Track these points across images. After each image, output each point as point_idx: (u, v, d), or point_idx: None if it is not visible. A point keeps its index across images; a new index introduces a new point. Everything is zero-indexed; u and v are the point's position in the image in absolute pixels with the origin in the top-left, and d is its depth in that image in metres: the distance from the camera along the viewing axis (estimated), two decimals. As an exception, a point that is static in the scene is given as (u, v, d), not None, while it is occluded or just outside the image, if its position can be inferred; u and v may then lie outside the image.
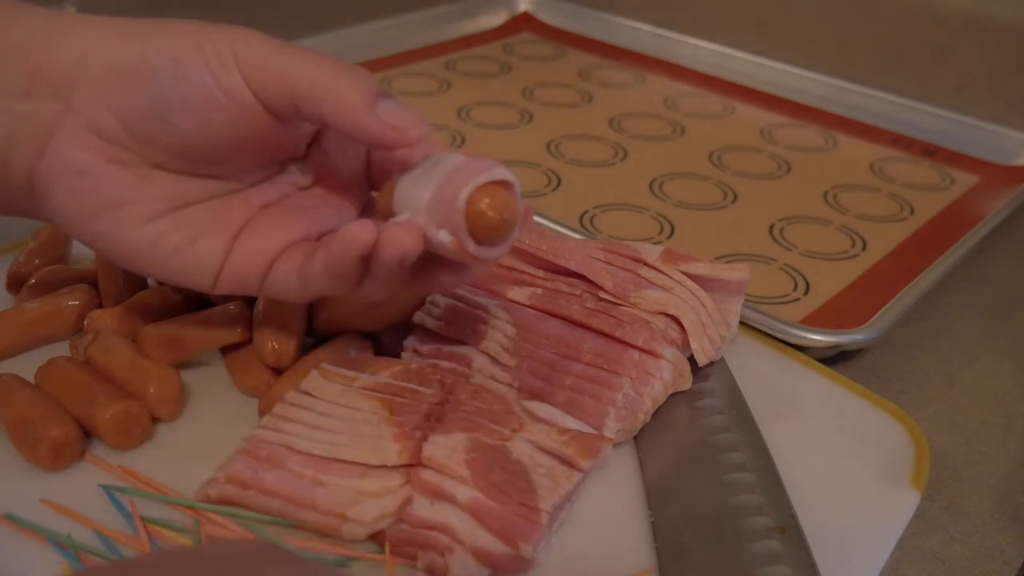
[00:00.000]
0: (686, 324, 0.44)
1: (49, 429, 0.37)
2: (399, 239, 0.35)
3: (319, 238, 0.39)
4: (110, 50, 0.35)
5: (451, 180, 0.35)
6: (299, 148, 0.40)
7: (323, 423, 0.38)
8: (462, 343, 0.43)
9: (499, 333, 0.44)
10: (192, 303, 0.46)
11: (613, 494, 0.39)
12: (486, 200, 0.35)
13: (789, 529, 0.36)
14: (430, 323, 0.44)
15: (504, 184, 0.36)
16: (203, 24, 0.37)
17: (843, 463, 0.41)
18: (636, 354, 0.42)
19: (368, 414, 0.38)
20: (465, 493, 0.34)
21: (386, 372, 0.40)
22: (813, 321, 0.52)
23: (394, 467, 0.36)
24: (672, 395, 0.43)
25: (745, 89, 0.86)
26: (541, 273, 0.47)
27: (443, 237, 0.35)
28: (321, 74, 0.35)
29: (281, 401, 0.39)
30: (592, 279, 0.45)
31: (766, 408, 0.43)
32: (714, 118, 0.81)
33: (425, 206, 0.35)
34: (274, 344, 0.42)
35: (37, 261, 0.48)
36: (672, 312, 0.44)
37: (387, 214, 0.38)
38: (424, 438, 0.37)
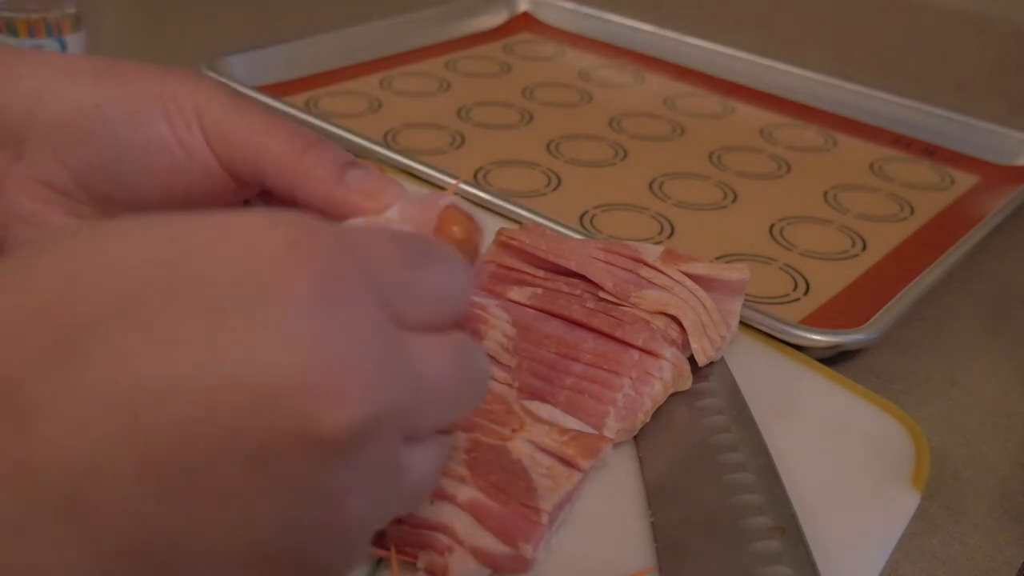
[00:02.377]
0: (686, 324, 0.44)
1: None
2: None
3: None
4: (63, 97, 0.33)
5: (417, 204, 0.34)
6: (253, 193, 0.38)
7: (323, 423, 0.38)
8: (462, 343, 0.43)
9: (499, 333, 0.44)
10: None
11: (613, 494, 0.39)
12: (454, 224, 0.33)
13: (789, 529, 0.36)
14: (430, 323, 0.44)
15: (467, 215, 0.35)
16: (162, 72, 0.34)
17: (843, 463, 0.41)
18: (636, 354, 0.42)
19: (368, 414, 0.38)
20: (465, 493, 0.35)
21: (386, 372, 0.40)
22: (813, 321, 0.52)
23: (394, 467, 0.36)
24: (672, 395, 0.43)
25: (745, 89, 0.86)
26: (541, 273, 0.47)
27: None
28: (287, 148, 0.33)
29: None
30: (592, 279, 0.45)
31: (766, 408, 0.43)
32: (714, 118, 0.81)
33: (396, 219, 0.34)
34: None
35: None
36: (672, 312, 0.44)
37: None
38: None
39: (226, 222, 0.21)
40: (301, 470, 0.20)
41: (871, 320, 0.50)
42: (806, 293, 0.55)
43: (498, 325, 0.44)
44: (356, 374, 0.21)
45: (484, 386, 0.27)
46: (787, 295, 0.55)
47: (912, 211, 0.66)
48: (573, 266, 0.46)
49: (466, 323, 0.44)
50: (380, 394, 0.21)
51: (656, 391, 0.42)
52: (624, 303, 0.45)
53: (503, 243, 0.48)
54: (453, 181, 0.58)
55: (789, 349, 0.48)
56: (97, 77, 0.34)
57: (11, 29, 0.66)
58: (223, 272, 0.20)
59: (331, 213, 0.34)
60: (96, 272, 0.20)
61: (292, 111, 0.71)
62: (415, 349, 0.24)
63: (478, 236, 0.34)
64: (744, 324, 0.49)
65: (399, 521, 0.35)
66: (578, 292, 0.45)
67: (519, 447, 0.37)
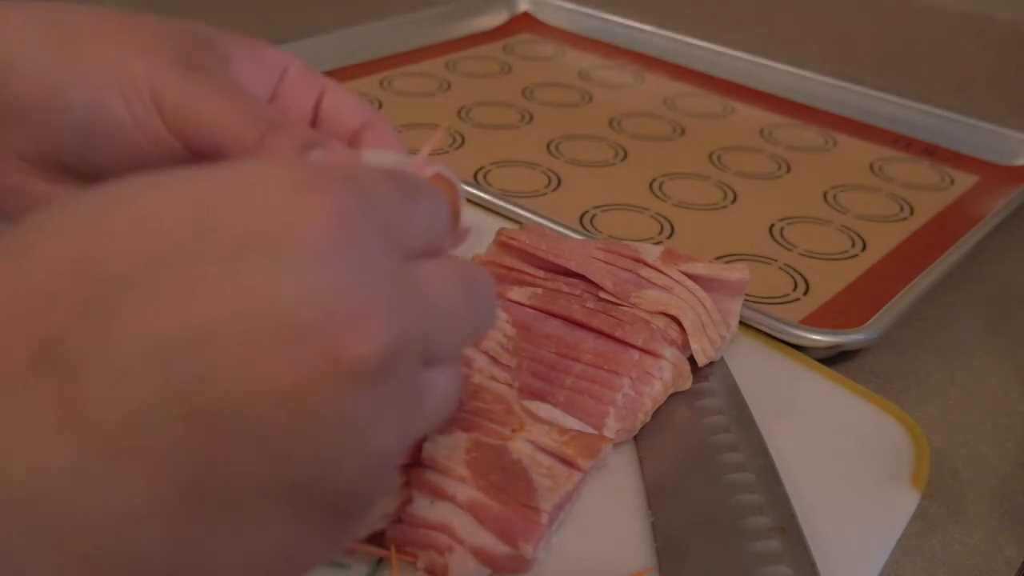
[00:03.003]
0: (686, 324, 0.44)
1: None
2: None
3: None
4: (27, 77, 0.34)
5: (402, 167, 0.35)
6: None
7: (323, 423, 0.38)
8: (462, 343, 0.43)
9: (499, 333, 0.44)
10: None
11: (613, 494, 0.39)
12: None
13: (789, 529, 0.36)
14: (430, 323, 0.44)
15: (450, 181, 0.37)
16: (119, 43, 0.35)
17: (843, 463, 0.41)
18: (636, 354, 0.42)
19: (368, 414, 0.38)
20: (465, 493, 0.35)
21: (386, 372, 0.40)
22: (813, 321, 0.52)
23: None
24: (672, 395, 0.43)
25: (745, 89, 0.86)
26: (541, 273, 0.47)
27: None
28: (246, 133, 0.34)
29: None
30: (592, 279, 0.45)
31: (766, 408, 0.43)
32: (714, 118, 0.81)
33: None
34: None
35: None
36: (672, 312, 0.44)
37: None
38: (424, 438, 0.37)
39: (239, 172, 0.23)
40: (333, 402, 0.21)
41: (871, 320, 0.50)
42: (806, 293, 0.55)
43: (498, 325, 0.44)
44: (375, 303, 0.22)
45: (493, 306, 0.28)
46: (787, 295, 0.55)
47: (912, 211, 0.66)
48: (573, 266, 0.46)
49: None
50: (400, 320, 0.22)
51: (656, 391, 0.42)
52: (624, 303, 0.45)
53: (503, 243, 0.48)
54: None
55: (789, 349, 0.48)
56: (58, 50, 0.34)
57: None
58: (242, 218, 0.21)
59: None
60: (121, 229, 0.21)
61: (292, 111, 0.71)
62: (424, 275, 0.25)
63: (460, 202, 0.37)
64: (744, 324, 0.49)
65: (399, 521, 0.35)
66: (578, 292, 0.45)
67: (519, 447, 0.37)
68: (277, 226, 0.21)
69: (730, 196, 0.67)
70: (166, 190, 0.22)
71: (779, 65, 0.87)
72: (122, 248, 0.21)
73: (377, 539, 0.35)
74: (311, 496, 0.22)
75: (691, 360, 0.45)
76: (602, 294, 0.45)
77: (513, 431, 0.38)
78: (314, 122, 0.41)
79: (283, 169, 0.23)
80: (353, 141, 0.41)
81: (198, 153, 0.35)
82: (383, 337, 0.22)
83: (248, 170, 0.23)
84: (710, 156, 0.73)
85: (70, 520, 0.19)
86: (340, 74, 0.83)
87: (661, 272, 0.46)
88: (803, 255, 0.60)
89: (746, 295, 0.48)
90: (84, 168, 0.35)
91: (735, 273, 0.46)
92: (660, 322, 0.44)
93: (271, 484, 0.21)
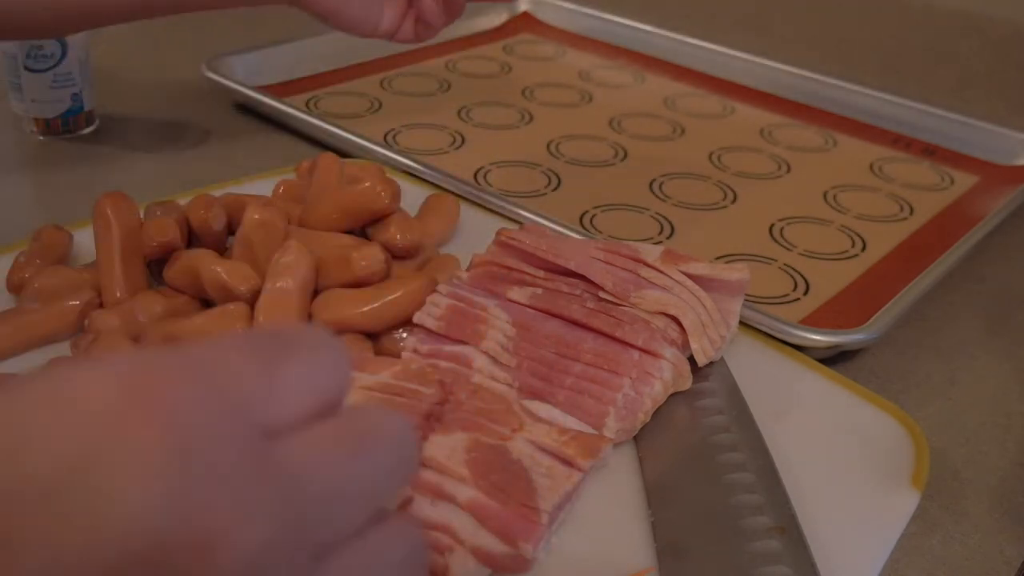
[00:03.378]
0: (686, 324, 0.44)
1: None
2: None
3: None
4: None
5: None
6: None
7: (323, 423, 0.38)
8: (462, 343, 0.43)
9: (499, 333, 0.44)
10: (193, 303, 0.46)
11: (613, 494, 0.39)
12: None
13: (789, 529, 0.36)
14: (430, 323, 0.44)
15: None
16: None
17: (843, 463, 0.41)
18: (636, 354, 0.42)
19: (368, 414, 0.38)
20: (465, 493, 0.35)
21: (386, 372, 0.40)
22: (813, 321, 0.52)
23: (394, 467, 0.36)
24: (672, 395, 0.43)
25: (745, 89, 0.86)
26: (541, 273, 0.47)
27: None
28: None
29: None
30: (592, 279, 0.45)
31: (766, 408, 0.43)
32: (714, 118, 0.81)
33: None
34: (274, 344, 0.42)
35: (38, 261, 0.48)
36: (672, 312, 0.44)
37: None
38: (424, 438, 0.37)
39: (56, 387, 0.19)
40: None
41: (871, 320, 0.50)
42: (806, 293, 0.55)
43: (498, 325, 0.44)
44: (222, 516, 0.19)
45: (404, 454, 0.24)
46: (787, 295, 0.55)
47: (912, 211, 0.66)
48: (573, 266, 0.46)
49: (466, 323, 0.44)
50: (259, 526, 0.20)
51: (656, 391, 0.42)
52: (624, 303, 0.45)
53: (503, 243, 0.48)
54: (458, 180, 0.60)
55: (789, 349, 0.48)
56: None
57: (11, 29, 0.66)
58: (57, 450, 0.18)
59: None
60: None
61: (293, 111, 0.71)
62: (293, 455, 0.21)
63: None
64: (744, 324, 0.49)
65: (399, 521, 0.35)
66: (578, 292, 0.45)
67: (519, 447, 0.37)
68: (98, 451, 0.18)
69: (730, 196, 0.67)
70: None
71: (779, 65, 0.87)
72: None
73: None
74: None
75: (691, 360, 0.45)
76: (602, 294, 0.45)
77: (513, 431, 0.38)
78: None
79: (108, 375, 0.19)
80: None
81: None
82: (237, 553, 0.19)
83: (69, 383, 0.19)
84: (710, 156, 0.73)
85: None
86: (340, 74, 0.83)
87: (661, 272, 0.46)
88: (803, 255, 0.60)
89: (746, 295, 0.48)
90: None
91: (735, 273, 0.46)
92: (660, 322, 0.44)
93: None
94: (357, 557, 0.22)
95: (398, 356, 0.44)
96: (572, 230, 0.56)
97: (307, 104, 0.77)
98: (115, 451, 0.18)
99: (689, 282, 0.46)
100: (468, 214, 0.59)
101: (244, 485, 0.20)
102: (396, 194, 0.50)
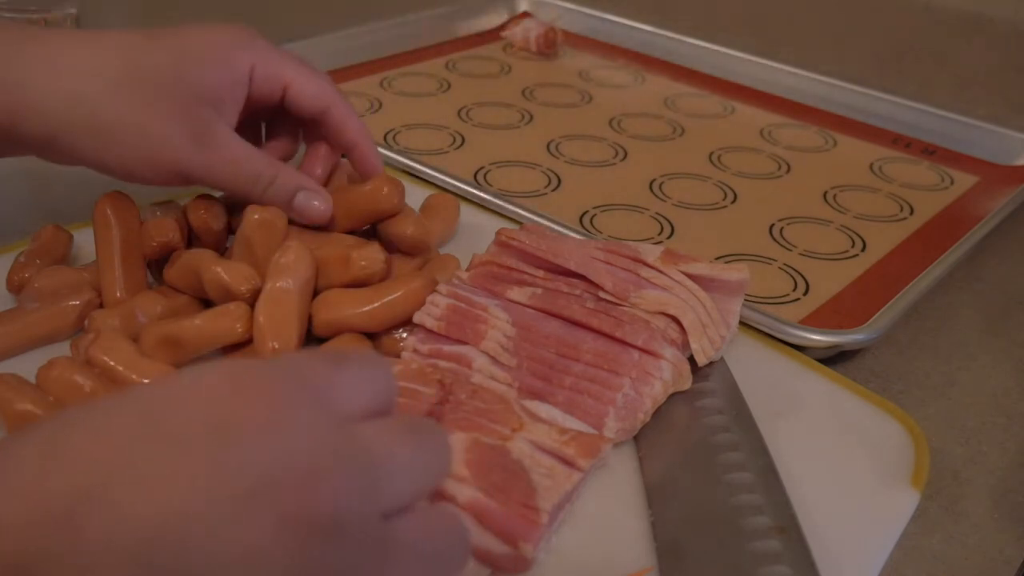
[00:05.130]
0: (686, 324, 0.44)
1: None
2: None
3: None
4: (74, 146, 0.45)
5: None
6: None
7: (323, 423, 0.38)
8: (462, 343, 0.43)
9: (499, 333, 0.44)
10: (193, 303, 0.46)
11: (613, 494, 0.39)
12: None
13: (789, 529, 0.36)
14: (430, 323, 0.44)
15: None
16: (147, 138, 0.45)
17: (843, 463, 0.41)
18: (636, 354, 0.42)
19: (368, 414, 0.38)
20: (465, 493, 0.35)
21: (386, 372, 0.40)
22: (813, 321, 0.52)
23: (394, 467, 0.36)
24: (672, 395, 0.43)
25: (745, 89, 0.86)
26: (541, 273, 0.47)
27: None
28: (251, 191, 0.47)
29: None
30: (592, 279, 0.45)
31: (766, 408, 0.43)
32: (714, 118, 0.81)
33: None
34: (274, 344, 0.42)
35: (38, 261, 0.48)
36: (672, 312, 0.44)
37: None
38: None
39: (181, 380, 0.25)
40: (289, 558, 0.23)
41: (871, 320, 0.50)
42: (806, 293, 0.55)
43: (498, 325, 0.44)
44: (316, 463, 0.24)
45: (445, 452, 0.29)
46: (787, 295, 0.55)
47: (912, 211, 0.66)
48: (573, 266, 0.46)
49: (466, 323, 0.44)
50: (344, 476, 0.24)
51: (656, 391, 0.42)
52: (624, 303, 0.45)
53: (503, 243, 0.48)
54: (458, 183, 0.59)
55: (789, 349, 0.48)
56: (97, 135, 0.44)
57: (11, 29, 0.66)
58: (185, 417, 0.24)
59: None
60: (76, 445, 0.23)
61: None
62: (366, 434, 0.26)
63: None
64: (744, 324, 0.49)
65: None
66: (578, 292, 0.45)
67: (519, 447, 0.37)
68: (216, 417, 0.24)
69: (730, 196, 0.67)
70: (117, 406, 0.25)
71: (779, 65, 0.87)
72: (80, 465, 0.23)
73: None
74: None
75: (691, 360, 0.45)
76: (602, 294, 0.45)
77: (513, 431, 0.38)
78: (275, 111, 0.51)
79: (219, 371, 0.25)
80: (317, 124, 0.51)
81: None
82: (328, 493, 0.24)
83: (190, 377, 0.25)
84: (710, 156, 0.73)
85: None
86: (340, 74, 0.83)
87: (661, 272, 0.46)
88: (803, 255, 0.60)
89: (746, 295, 0.48)
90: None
91: (735, 273, 0.46)
92: (660, 322, 0.44)
93: None
94: (418, 524, 0.27)
95: (398, 356, 0.44)
96: (572, 230, 0.56)
97: (307, 104, 0.77)
98: (229, 416, 0.24)
99: (689, 282, 0.46)
100: (468, 214, 0.59)
101: (333, 446, 0.25)
102: (402, 193, 0.50)
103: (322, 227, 0.50)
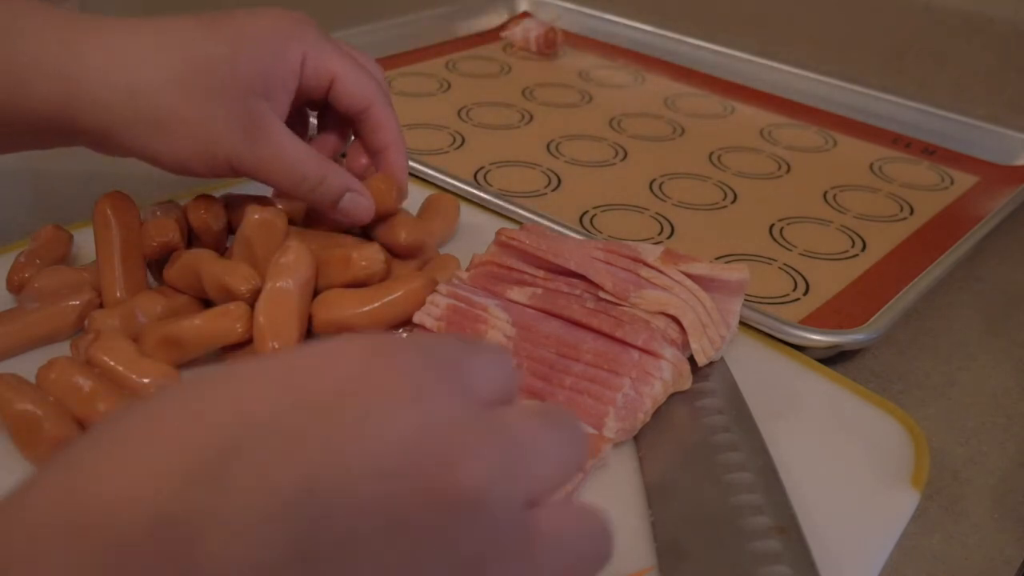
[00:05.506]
0: (686, 324, 0.44)
1: (50, 429, 0.37)
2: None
3: None
4: (128, 141, 0.45)
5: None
6: None
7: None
8: (462, 343, 0.43)
9: (499, 333, 0.44)
10: (193, 303, 0.46)
11: (613, 494, 0.39)
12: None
13: (789, 529, 0.36)
14: (430, 323, 0.44)
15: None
16: (203, 128, 0.45)
17: (843, 463, 0.41)
18: (636, 354, 0.42)
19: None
20: (465, 493, 0.34)
21: (386, 372, 0.40)
22: (813, 321, 0.52)
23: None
24: (672, 395, 0.43)
25: (745, 89, 0.86)
26: (541, 273, 0.47)
27: None
28: (298, 190, 0.47)
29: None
30: (592, 279, 0.45)
31: (766, 408, 0.43)
32: (714, 118, 0.81)
33: None
34: (274, 344, 0.42)
35: (38, 261, 0.48)
36: (672, 312, 0.44)
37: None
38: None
39: (322, 348, 0.25)
40: (431, 531, 0.22)
41: (871, 320, 0.50)
42: (806, 293, 0.55)
43: (498, 325, 0.44)
44: (460, 438, 0.24)
45: (582, 439, 0.28)
46: (787, 295, 0.55)
47: (912, 211, 0.66)
48: (573, 266, 0.46)
49: (466, 323, 0.44)
50: (486, 453, 0.24)
51: (656, 391, 0.42)
52: (624, 303, 0.45)
53: (503, 243, 0.48)
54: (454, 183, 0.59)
55: (789, 349, 0.48)
56: (155, 129, 0.45)
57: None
58: (328, 384, 0.24)
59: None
60: (223, 405, 0.23)
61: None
62: (503, 417, 0.26)
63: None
64: (744, 324, 0.49)
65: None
66: (578, 292, 0.45)
67: (519, 447, 0.37)
68: (358, 386, 0.24)
69: (730, 196, 0.67)
70: (259, 369, 0.25)
71: (779, 65, 0.87)
72: (223, 422, 0.23)
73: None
74: None
75: (691, 360, 0.45)
76: (602, 294, 0.45)
77: (513, 431, 0.38)
78: (326, 103, 0.50)
79: (358, 342, 0.25)
80: (357, 122, 0.51)
81: None
82: (471, 469, 0.23)
83: (330, 346, 0.25)
84: (710, 156, 0.73)
85: None
86: (340, 74, 0.82)
87: (661, 272, 0.46)
88: (803, 255, 0.60)
89: (746, 295, 0.48)
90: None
91: (735, 273, 0.46)
92: (660, 322, 0.44)
93: None
94: (563, 517, 0.26)
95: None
96: (572, 230, 0.56)
97: (307, 104, 0.77)
98: (371, 387, 0.24)
99: (689, 282, 0.46)
100: (468, 214, 0.59)
101: (471, 423, 0.24)
102: (400, 194, 0.50)
103: (318, 225, 0.50)
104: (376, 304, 0.44)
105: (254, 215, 0.46)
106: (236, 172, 0.46)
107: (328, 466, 0.22)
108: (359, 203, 0.48)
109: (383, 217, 0.50)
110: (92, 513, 0.21)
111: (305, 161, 0.47)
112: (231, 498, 0.21)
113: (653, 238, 0.60)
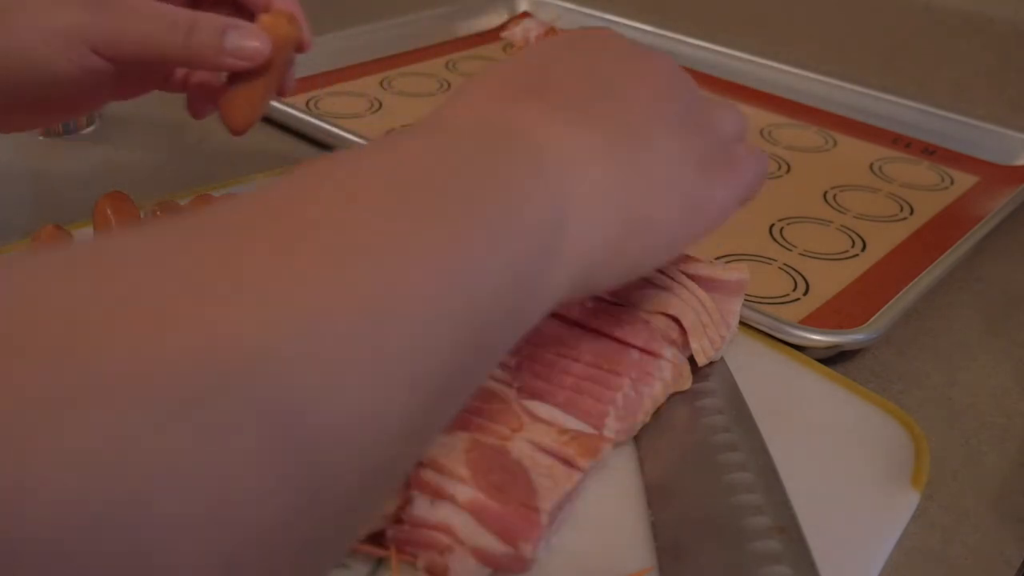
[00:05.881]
0: (686, 324, 0.44)
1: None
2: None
3: None
4: None
5: None
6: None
7: (323, 423, 0.38)
8: (462, 343, 0.43)
9: (499, 333, 0.43)
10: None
11: (613, 494, 0.39)
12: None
13: (789, 529, 0.36)
14: (430, 323, 0.44)
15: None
16: (47, 13, 0.41)
17: (843, 463, 0.41)
18: (636, 354, 0.42)
19: (368, 414, 0.38)
20: (465, 493, 0.35)
21: (386, 372, 0.40)
22: (813, 321, 0.52)
23: (394, 467, 0.36)
24: (672, 395, 0.43)
25: (745, 89, 0.86)
26: (541, 273, 0.47)
27: None
28: (172, 39, 0.43)
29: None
30: (592, 279, 0.45)
31: (766, 408, 0.43)
32: (714, 118, 0.81)
33: None
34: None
35: (37, 261, 0.48)
36: (672, 312, 0.44)
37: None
38: (424, 438, 0.37)
39: (641, 56, 0.40)
40: (684, 144, 0.37)
41: (871, 320, 0.50)
42: (806, 293, 0.55)
43: (498, 325, 0.44)
44: (691, 84, 0.41)
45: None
46: (787, 295, 0.55)
47: (912, 211, 0.66)
48: (573, 266, 0.46)
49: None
50: (721, 111, 0.40)
51: (656, 391, 0.42)
52: (624, 303, 0.45)
53: (503, 243, 0.48)
54: None
55: (789, 349, 0.48)
56: None
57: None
58: (616, 71, 0.38)
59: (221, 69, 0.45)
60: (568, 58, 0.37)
61: (293, 111, 0.71)
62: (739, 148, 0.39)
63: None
64: (744, 324, 0.49)
65: (399, 521, 0.35)
66: (578, 292, 0.45)
67: (519, 447, 0.37)
68: (660, 92, 0.38)
69: (730, 196, 0.67)
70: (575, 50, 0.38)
71: (779, 65, 0.87)
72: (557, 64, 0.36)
73: (377, 539, 0.35)
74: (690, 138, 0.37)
75: (691, 360, 0.45)
76: (602, 294, 0.45)
77: (513, 431, 0.38)
78: None
79: (664, 58, 0.41)
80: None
81: (130, 67, 0.44)
82: (711, 119, 0.40)
83: (647, 54, 0.40)
84: (710, 156, 0.73)
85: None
86: (340, 74, 0.83)
87: (661, 272, 0.46)
88: (803, 255, 0.60)
89: (746, 295, 0.48)
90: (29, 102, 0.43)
91: (735, 273, 0.46)
92: (660, 322, 0.44)
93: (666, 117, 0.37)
94: (749, 151, 0.40)
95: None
96: (572, 230, 0.56)
97: (307, 104, 0.77)
98: (634, 67, 0.39)
99: (689, 282, 0.46)
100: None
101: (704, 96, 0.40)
102: (295, 22, 0.48)
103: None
104: None
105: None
106: (97, 48, 0.42)
107: (632, 77, 0.38)
108: (247, 35, 0.43)
109: (286, 54, 0.47)
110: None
111: (168, 8, 0.43)
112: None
113: (653, 238, 0.60)
